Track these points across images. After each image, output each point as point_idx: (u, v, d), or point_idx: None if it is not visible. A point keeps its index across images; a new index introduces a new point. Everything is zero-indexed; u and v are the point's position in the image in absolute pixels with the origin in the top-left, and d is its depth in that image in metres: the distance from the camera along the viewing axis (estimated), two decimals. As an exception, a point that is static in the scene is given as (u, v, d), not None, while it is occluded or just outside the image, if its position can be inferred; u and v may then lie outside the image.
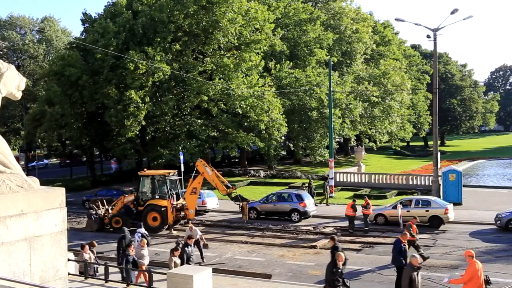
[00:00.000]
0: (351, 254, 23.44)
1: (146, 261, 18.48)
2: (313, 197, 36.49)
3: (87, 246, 17.85)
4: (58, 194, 10.10)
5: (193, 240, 19.07)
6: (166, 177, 30.92)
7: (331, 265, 14.69)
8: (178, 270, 13.98)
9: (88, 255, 17.49)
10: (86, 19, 53.45)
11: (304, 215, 31.74)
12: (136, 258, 17.66)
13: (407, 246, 18.18)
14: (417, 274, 13.96)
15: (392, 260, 17.95)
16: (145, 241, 19.46)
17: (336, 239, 19.30)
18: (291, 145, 57.81)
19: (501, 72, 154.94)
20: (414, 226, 22.07)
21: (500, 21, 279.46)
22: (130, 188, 40.46)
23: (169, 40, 45.10)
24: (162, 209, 29.71)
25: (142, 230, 22.33)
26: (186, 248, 18.17)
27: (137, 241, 20.52)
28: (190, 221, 31.35)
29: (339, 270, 14.50)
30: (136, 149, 49.48)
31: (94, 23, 48.67)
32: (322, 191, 39.28)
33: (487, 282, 17.26)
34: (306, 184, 39.81)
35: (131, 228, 29.65)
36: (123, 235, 20.47)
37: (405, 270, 14.25)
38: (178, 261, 17.02)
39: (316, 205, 34.54)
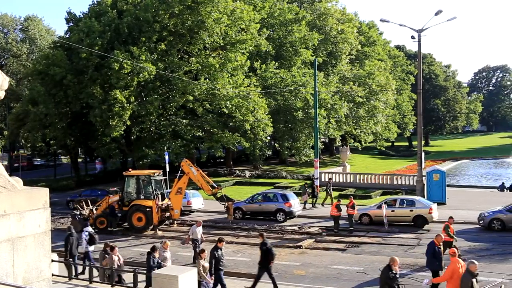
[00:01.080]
0: (336, 254, 23.58)
1: (168, 263, 17.64)
2: (316, 197, 36.32)
3: (116, 248, 17.35)
4: (42, 194, 10.02)
5: (223, 243, 17.45)
6: (151, 177, 30.78)
7: (386, 270, 13.77)
8: (163, 271, 13.94)
9: (116, 257, 16.90)
10: (70, 18, 53.04)
11: (290, 215, 31.80)
12: (160, 261, 16.78)
13: (442, 249, 17.64)
14: (476, 281, 13.01)
15: (427, 263, 17.50)
16: (168, 243, 18.44)
17: (265, 235, 19.48)
18: (277, 145, 57.89)
19: (484, 73, 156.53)
20: (452, 226, 21.26)
21: (483, 22, 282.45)
22: (115, 189, 40.18)
23: (154, 39, 44.93)
24: (147, 209, 29.57)
25: (89, 229, 22.41)
26: (215, 252, 16.78)
27: (85, 239, 20.71)
28: (175, 222, 31.41)
29: (397, 275, 13.75)
30: (121, 149, 49.24)
31: (78, 22, 48.31)
32: (311, 191, 39.32)
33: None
34: (309, 184, 39.03)
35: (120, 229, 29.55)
36: (69, 233, 20.43)
37: (463, 277, 13.06)
38: (206, 264, 16.16)
39: (322, 205, 35.32)
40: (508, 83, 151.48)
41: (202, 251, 16.56)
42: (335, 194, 39.98)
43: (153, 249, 16.80)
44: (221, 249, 17.04)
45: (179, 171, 30.85)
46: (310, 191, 37.26)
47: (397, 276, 13.81)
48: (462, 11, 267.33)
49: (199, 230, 22.45)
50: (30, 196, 9.81)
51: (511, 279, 18.52)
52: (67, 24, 53.53)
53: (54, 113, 47.42)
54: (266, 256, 17.62)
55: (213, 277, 16.35)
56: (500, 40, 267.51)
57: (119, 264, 16.90)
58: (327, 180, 40.46)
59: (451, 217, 22.21)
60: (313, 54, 57.02)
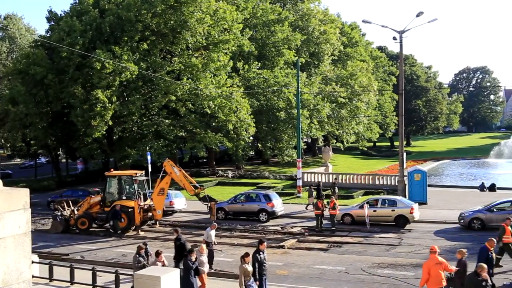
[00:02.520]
0: (319, 253, 23.66)
1: (206, 268, 17.22)
2: (322, 199, 35.40)
3: (162, 254, 16.37)
4: (22, 195, 9.90)
5: (264, 245, 16.33)
6: (133, 178, 30.61)
7: (475, 278, 12.85)
8: (145, 271, 13.88)
9: (161, 264, 16.03)
10: (51, 17, 52.53)
11: (272, 215, 31.85)
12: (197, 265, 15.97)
13: (493, 255, 16.92)
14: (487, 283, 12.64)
15: None
16: (204, 247, 17.93)
17: (180, 231, 20.00)
18: (259, 145, 57.94)
19: (464, 74, 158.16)
20: (508, 228, 20.04)
21: (464, 24, 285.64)
22: (97, 189, 39.95)
23: (137, 39, 44.71)
24: (129, 209, 29.39)
25: None
26: (257, 255, 15.79)
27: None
28: (157, 222, 31.26)
29: (488, 283, 12.90)
30: (103, 149, 48.92)
31: (60, 21, 47.89)
32: (293, 191, 39.35)
33: (451, 279, 17.63)
34: (315, 187, 37.67)
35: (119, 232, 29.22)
36: None
37: (471, 278, 12.77)
38: (250, 268, 15.04)
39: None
40: (488, 84, 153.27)
41: (247, 254, 15.18)
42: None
43: (190, 251, 15.92)
44: (263, 252, 15.96)
45: (162, 171, 30.73)
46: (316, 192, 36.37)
47: (488, 284, 13.01)
48: (443, 13, 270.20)
49: (213, 233, 21.35)
50: (10, 196, 9.69)
51: (491, 277, 18.69)
52: (48, 23, 53.09)
53: (35, 112, 46.98)
54: (180, 251, 18.31)
55: (257, 282, 15.31)
56: (480, 42, 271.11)
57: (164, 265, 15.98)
58: (333, 181, 40.13)
59: (508, 218, 20.53)
60: (295, 55, 57.17)
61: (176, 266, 17.84)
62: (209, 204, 29.81)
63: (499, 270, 19.10)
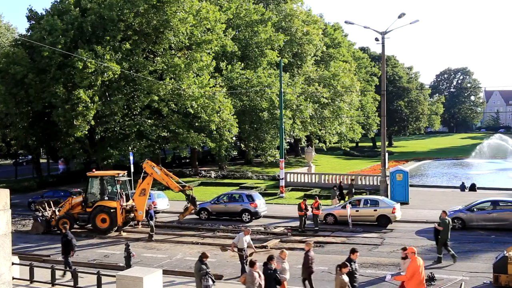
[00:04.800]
0: (301, 253, 23.59)
1: (287, 275, 15.90)
2: (344, 199, 35.09)
3: (257, 263, 14.43)
4: (2, 196, 9.79)
5: (357, 254, 15.29)
6: (116, 178, 30.40)
7: None
8: (127, 272, 13.79)
9: (257, 273, 14.15)
10: (32, 15, 51.97)
11: (255, 215, 31.85)
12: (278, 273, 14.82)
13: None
14: None
15: None
16: (286, 252, 16.50)
17: (68, 228, 21.11)
18: (242, 145, 57.95)
19: (445, 75, 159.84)
20: None
21: (445, 25, 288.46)
22: (78, 189, 39.60)
23: (119, 39, 44.43)
24: (111, 210, 29.18)
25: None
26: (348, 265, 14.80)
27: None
28: (140, 223, 31.08)
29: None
30: (85, 149, 48.59)
31: (40, 20, 47.40)
32: (276, 191, 39.38)
33: (432, 278, 17.83)
34: (337, 187, 37.16)
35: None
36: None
37: None
38: (347, 279, 13.99)
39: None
40: (469, 85, 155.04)
41: (345, 265, 14.09)
42: (300, 194, 40.30)
43: (270, 258, 14.72)
44: (354, 262, 14.98)
45: (143, 172, 30.56)
46: (338, 192, 36.20)
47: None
48: (424, 15, 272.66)
49: (246, 239, 19.76)
50: (-10, 197, 9.57)
51: (471, 276, 18.93)
52: (28, 22, 52.54)
53: (15, 112, 46.52)
54: (67, 247, 19.62)
55: None
56: (461, 43, 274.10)
57: (260, 283, 14.08)
58: (349, 182, 40.17)
59: None
60: (278, 55, 57.30)
61: (66, 259, 19.31)
62: (188, 205, 29.62)
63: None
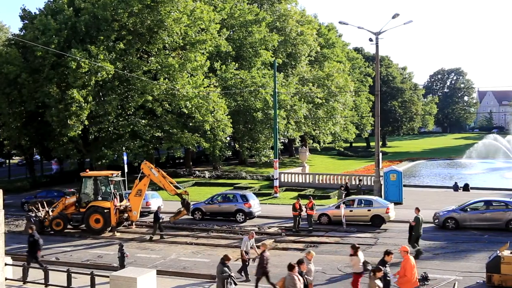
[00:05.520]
0: (296, 253, 23.69)
1: (312, 276, 15.88)
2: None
3: (296, 267, 14.15)
4: (-5, 196, 9.77)
5: (391, 256, 14.94)
6: (109, 178, 30.33)
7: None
8: (121, 273, 13.78)
9: (297, 277, 13.93)
10: (25, 15, 51.71)
11: (249, 215, 31.86)
12: (304, 274, 14.74)
13: None
14: None
15: None
16: (313, 253, 16.44)
17: (34, 228, 20.96)
18: (236, 145, 57.94)
19: (439, 76, 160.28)
20: None
21: (439, 26, 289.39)
22: (72, 190, 39.51)
23: (113, 38, 44.33)
24: (105, 210, 29.10)
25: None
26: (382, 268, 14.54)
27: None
28: (133, 223, 31.01)
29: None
30: (78, 150, 48.47)
31: (34, 20, 47.20)
32: (270, 191, 39.39)
33: (425, 278, 17.92)
34: (344, 187, 36.92)
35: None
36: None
37: None
38: (381, 284, 13.66)
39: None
40: (462, 85, 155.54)
41: (379, 269, 13.70)
42: (294, 194, 40.33)
43: (299, 262, 14.62)
44: (388, 264, 14.61)
45: (140, 173, 30.51)
46: (345, 192, 35.82)
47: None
48: (418, 15, 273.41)
49: (250, 243, 20.12)
50: (-17, 198, 9.55)
51: (464, 276, 19.01)
52: (21, 22, 52.27)
53: (8, 112, 46.37)
54: (33, 247, 19.62)
55: None
56: (455, 44, 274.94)
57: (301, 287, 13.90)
58: (357, 182, 40.24)
59: None
60: (273, 55, 57.32)
61: (28, 261, 19.22)
62: (182, 209, 29.60)
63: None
